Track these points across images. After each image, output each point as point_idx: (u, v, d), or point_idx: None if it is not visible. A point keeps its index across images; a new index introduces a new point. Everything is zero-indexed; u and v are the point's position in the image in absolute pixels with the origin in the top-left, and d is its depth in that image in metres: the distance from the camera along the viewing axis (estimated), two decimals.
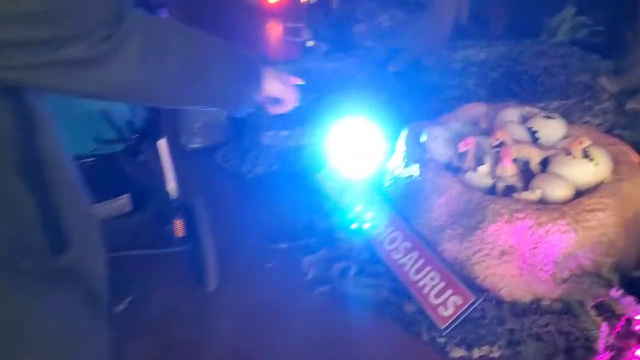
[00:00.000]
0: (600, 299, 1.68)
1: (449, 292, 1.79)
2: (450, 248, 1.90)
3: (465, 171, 1.98)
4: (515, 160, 1.95)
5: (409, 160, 2.11)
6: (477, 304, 1.74)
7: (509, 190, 1.92)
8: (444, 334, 1.76)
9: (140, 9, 0.96)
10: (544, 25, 3.20)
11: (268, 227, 2.27)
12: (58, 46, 0.71)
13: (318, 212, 2.27)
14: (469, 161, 1.97)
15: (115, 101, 0.96)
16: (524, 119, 2.21)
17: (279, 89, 1.12)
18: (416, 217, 2.00)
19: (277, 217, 2.33)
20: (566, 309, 1.76)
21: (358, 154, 2.26)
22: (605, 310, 1.70)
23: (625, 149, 2.08)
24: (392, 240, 2.00)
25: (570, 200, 1.85)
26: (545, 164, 2.00)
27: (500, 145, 1.96)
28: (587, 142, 1.92)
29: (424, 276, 1.86)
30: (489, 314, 1.78)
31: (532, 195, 1.85)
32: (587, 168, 1.90)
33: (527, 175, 1.98)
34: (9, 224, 0.80)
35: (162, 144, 1.93)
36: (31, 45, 0.70)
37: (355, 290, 1.92)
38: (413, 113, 2.56)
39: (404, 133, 2.22)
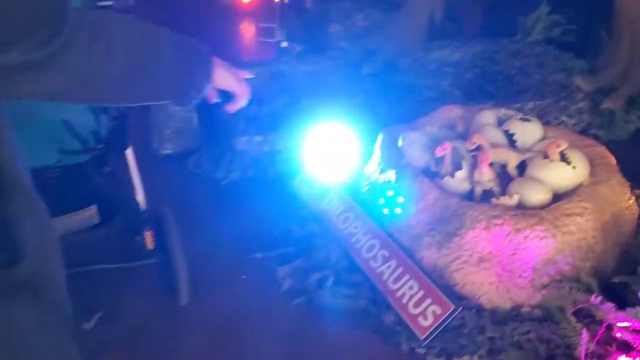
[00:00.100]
0: (580, 305, 1.66)
1: (428, 301, 1.75)
2: (429, 255, 1.86)
3: (443, 176, 1.95)
4: (492, 164, 1.92)
5: (385, 165, 2.07)
6: (456, 313, 1.70)
7: (487, 195, 1.89)
8: (423, 345, 1.72)
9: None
10: (519, 24, 3.19)
11: (243, 236, 2.22)
12: None
13: (294, 219, 2.22)
14: (446, 166, 1.94)
15: (66, 102, 0.94)
16: (500, 122, 2.19)
17: (230, 81, 1.09)
18: (394, 224, 1.96)
19: (252, 225, 2.27)
20: (546, 316, 1.74)
21: (334, 159, 2.21)
22: (586, 317, 1.68)
23: (602, 150, 2.07)
24: (370, 248, 1.95)
25: (549, 205, 1.83)
26: (522, 167, 1.98)
27: (477, 149, 1.93)
28: (564, 145, 1.90)
29: (403, 285, 1.82)
30: (469, 322, 1.75)
31: (510, 200, 1.83)
32: (564, 171, 1.89)
33: (504, 178, 1.96)
34: None
35: (130, 154, 1.87)
36: None
37: (333, 301, 1.88)
38: (389, 115, 2.53)
39: (379, 138, 2.18)
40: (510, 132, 2.09)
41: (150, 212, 1.94)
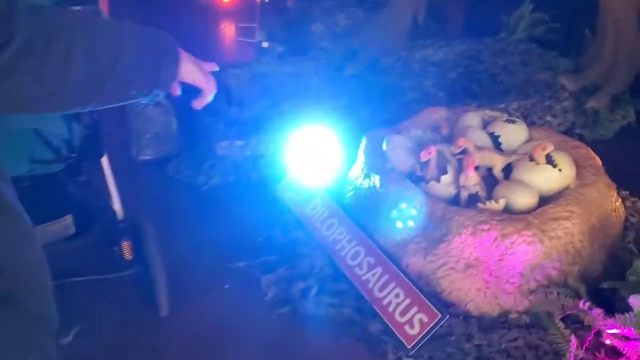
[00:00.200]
0: (568, 312, 1.63)
1: (415, 309, 1.71)
2: (415, 262, 1.83)
3: (428, 181, 1.91)
4: (477, 168, 1.89)
5: (369, 170, 2.02)
6: (443, 321, 1.67)
7: (473, 199, 1.86)
8: (410, 354, 1.68)
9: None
10: (502, 22, 3.17)
11: (225, 243, 2.16)
12: None
13: (277, 225, 2.17)
14: (432, 170, 1.90)
15: (30, 112, 0.88)
16: (485, 123, 2.16)
17: (196, 75, 1.05)
18: (379, 231, 1.92)
19: (234, 231, 2.22)
20: (534, 322, 1.71)
21: (317, 163, 2.17)
22: (574, 322, 1.66)
23: (587, 151, 2.05)
24: (355, 255, 1.91)
25: (535, 208, 1.80)
26: (508, 169, 1.95)
27: (463, 152, 1.89)
28: (550, 148, 1.87)
29: (389, 293, 1.78)
30: (456, 330, 1.72)
31: (497, 205, 1.79)
32: (551, 174, 1.86)
33: (490, 181, 1.93)
34: None
35: (105, 162, 1.80)
36: None
37: (318, 310, 1.83)
38: (372, 118, 2.49)
39: (363, 141, 2.14)
40: (496, 134, 2.06)
41: (128, 221, 1.88)
